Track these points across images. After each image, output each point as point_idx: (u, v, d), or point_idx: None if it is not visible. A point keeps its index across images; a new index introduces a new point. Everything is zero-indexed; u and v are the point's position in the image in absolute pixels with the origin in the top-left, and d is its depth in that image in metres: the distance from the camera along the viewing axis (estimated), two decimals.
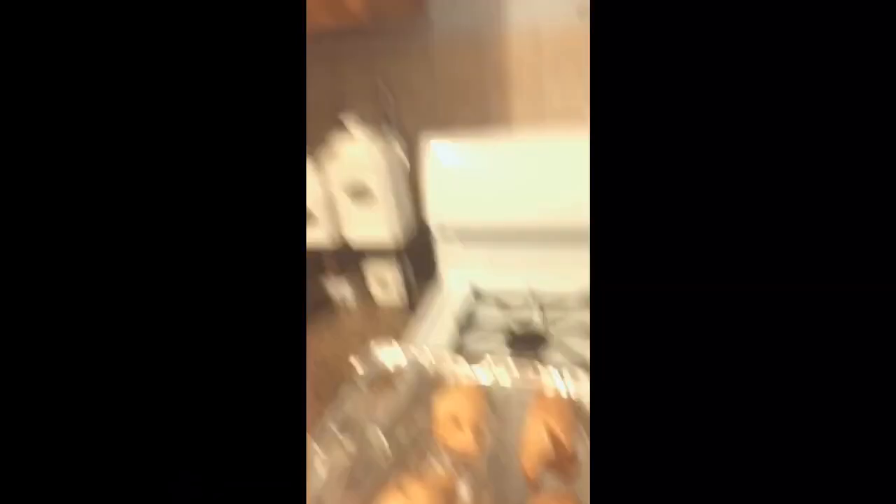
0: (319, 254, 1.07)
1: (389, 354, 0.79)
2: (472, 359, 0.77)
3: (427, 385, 0.74)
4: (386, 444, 0.65)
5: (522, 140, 0.98)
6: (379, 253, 1.04)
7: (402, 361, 0.77)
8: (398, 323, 0.99)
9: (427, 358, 0.77)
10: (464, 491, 0.56)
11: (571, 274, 0.98)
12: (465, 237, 1.03)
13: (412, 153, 1.05)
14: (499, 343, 0.82)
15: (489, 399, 0.69)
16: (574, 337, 0.84)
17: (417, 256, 1.08)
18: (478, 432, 0.62)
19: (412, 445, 0.64)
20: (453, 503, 0.54)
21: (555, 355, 0.81)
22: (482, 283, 1.01)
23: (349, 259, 1.08)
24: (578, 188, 0.89)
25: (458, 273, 1.06)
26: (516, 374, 0.73)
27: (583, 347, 0.81)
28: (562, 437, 0.59)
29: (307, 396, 0.84)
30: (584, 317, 0.91)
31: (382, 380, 0.75)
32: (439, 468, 0.59)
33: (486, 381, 0.73)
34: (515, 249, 1.02)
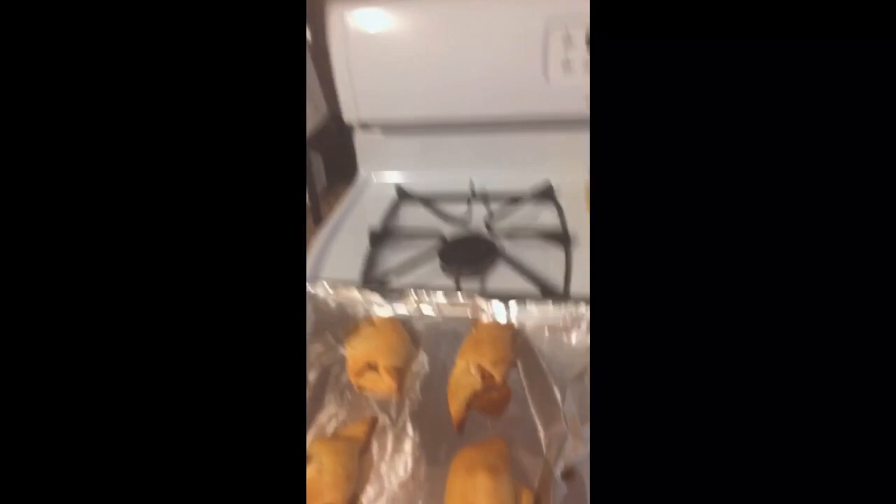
0: None
1: None
2: (390, 287, 0.62)
3: (328, 324, 0.59)
4: None
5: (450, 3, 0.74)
6: None
7: None
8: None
9: (324, 289, 0.61)
10: (380, 443, 0.48)
11: (512, 167, 0.83)
12: (388, 128, 0.85)
13: (317, 26, 0.80)
14: (429, 253, 0.66)
15: (412, 334, 0.55)
16: (515, 243, 0.70)
17: (328, 151, 0.89)
18: (398, 373, 0.53)
19: (316, 394, 0.53)
20: (365, 458, 0.47)
21: (494, 266, 0.67)
22: (408, 182, 0.83)
23: None
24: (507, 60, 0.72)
25: (378, 170, 0.89)
26: (442, 300, 0.58)
27: (526, 256, 0.66)
28: (492, 370, 0.50)
29: None
30: (530, 217, 0.75)
31: None
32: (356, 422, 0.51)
33: (406, 312, 0.58)
34: (449, 139, 0.84)
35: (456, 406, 0.48)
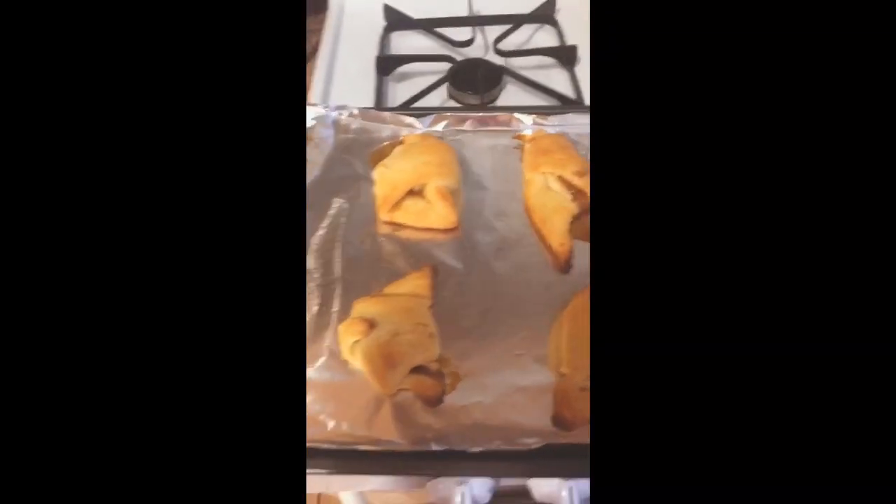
0: None
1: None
2: (415, 112, 0.54)
3: (350, 152, 0.51)
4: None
5: None
6: None
7: (308, 122, 0.52)
8: None
9: (346, 112, 0.52)
10: (446, 294, 0.41)
11: None
12: None
13: None
14: (437, 80, 0.59)
15: (456, 157, 0.49)
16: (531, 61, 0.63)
17: None
18: (454, 199, 0.44)
19: (344, 255, 0.44)
20: (437, 312, 0.40)
21: (513, 88, 0.61)
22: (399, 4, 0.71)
23: None
24: None
25: None
26: (477, 114, 0.53)
27: (543, 73, 0.61)
28: (579, 184, 0.43)
29: None
30: (537, 34, 0.69)
31: None
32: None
33: (438, 129, 0.52)
34: None
35: (556, 238, 0.41)
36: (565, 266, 0.41)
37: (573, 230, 0.42)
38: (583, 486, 0.39)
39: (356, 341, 0.37)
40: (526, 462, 0.37)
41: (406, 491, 0.44)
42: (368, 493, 0.48)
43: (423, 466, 0.37)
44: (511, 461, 0.37)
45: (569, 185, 0.44)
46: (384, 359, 0.36)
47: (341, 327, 0.38)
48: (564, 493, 0.39)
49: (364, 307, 0.38)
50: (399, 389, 0.38)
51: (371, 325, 0.36)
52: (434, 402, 0.38)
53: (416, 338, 0.37)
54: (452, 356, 0.38)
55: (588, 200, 0.43)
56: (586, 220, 0.43)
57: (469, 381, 0.38)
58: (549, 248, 0.42)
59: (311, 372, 0.38)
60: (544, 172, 0.45)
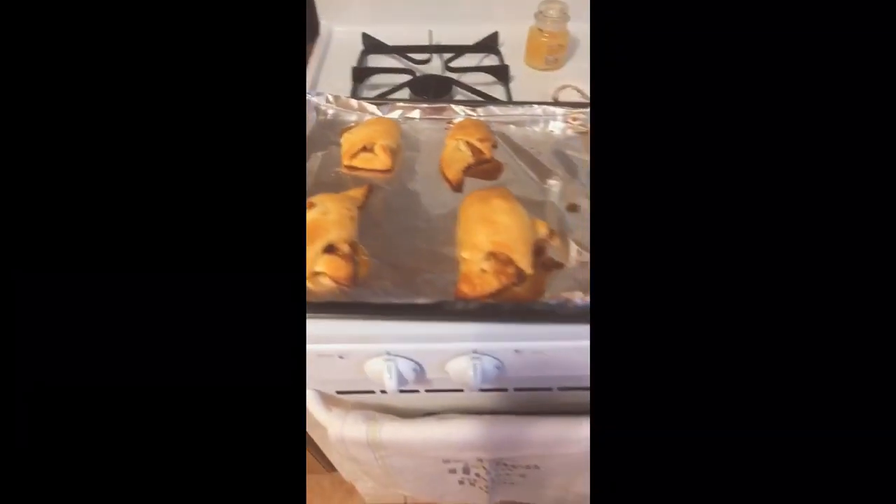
0: None
1: None
2: (377, 101, 0.74)
3: (327, 128, 0.70)
4: None
5: None
6: None
7: None
8: None
9: (325, 100, 0.73)
10: (377, 203, 0.58)
11: (469, 17, 0.94)
12: None
13: None
14: (402, 90, 0.79)
15: (401, 131, 0.68)
16: (478, 77, 0.84)
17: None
18: (392, 153, 0.63)
19: (315, 179, 0.62)
20: (363, 213, 0.55)
21: (460, 95, 0.81)
22: (373, 32, 0.93)
23: None
24: None
25: (344, 23, 0.96)
26: (426, 106, 0.72)
27: (486, 87, 0.81)
28: (480, 146, 0.61)
29: None
30: (486, 60, 0.90)
31: None
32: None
33: (394, 115, 0.72)
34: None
35: (452, 173, 0.60)
36: (457, 188, 0.60)
37: (466, 171, 0.61)
38: (487, 364, 0.50)
39: None
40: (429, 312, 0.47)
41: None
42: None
43: (347, 310, 0.47)
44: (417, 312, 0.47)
45: (472, 147, 0.63)
46: (308, 233, 0.48)
47: None
48: (471, 373, 0.49)
49: (315, 198, 0.53)
50: (315, 273, 0.48)
51: (311, 205, 0.51)
52: (345, 282, 0.47)
53: (338, 218, 0.50)
54: (366, 245, 0.51)
55: (482, 156, 0.62)
56: (478, 167, 0.62)
57: (377, 264, 0.50)
58: (447, 179, 0.61)
59: None
60: (457, 139, 0.64)
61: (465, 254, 0.49)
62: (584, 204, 0.56)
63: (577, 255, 0.51)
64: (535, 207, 0.55)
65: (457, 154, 0.63)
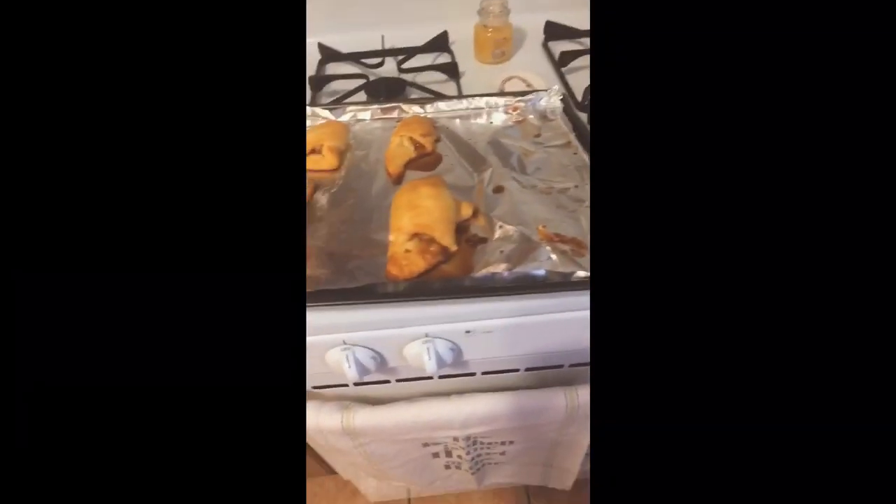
0: None
1: None
2: (330, 106, 0.78)
3: None
4: None
5: None
6: None
7: None
8: None
9: None
10: (319, 201, 0.62)
11: (419, 19, 0.98)
12: None
13: None
14: (358, 94, 0.83)
15: (352, 132, 0.72)
16: (430, 76, 0.88)
17: None
18: (339, 154, 0.68)
19: None
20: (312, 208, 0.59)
21: (411, 93, 0.85)
22: (331, 42, 0.97)
23: None
24: None
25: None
26: (375, 107, 0.76)
27: (438, 85, 0.85)
28: (422, 140, 0.65)
29: None
30: (438, 59, 0.93)
31: None
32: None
33: (345, 118, 0.75)
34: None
35: (394, 167, 0.64)
36: (396, 180, 0.64)
37: (407, 165, 0.66)
38: (441, 346, 0.52)
39: None
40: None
41: None
42: None
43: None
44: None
45: (414, 142, 0.67)
46: None
47: None
48: (426, 357, 0.52)
49: None
50: None
51: None
52: None
53: None
54: (309, 239, 0.54)
55: (424, 150, 0.66)
56: (418, 159, 0.66)
57: (317, 256, 0.52)
58: (388, 172, 0.65)
59: None
60: (401, 135, 0.68)
61: (392, 237, 0.52)
62: (510, 185, 0.60)
63: (500, 230, 0.54)
64: (463, 192, 0.59)
65: (399, 150, 0.67)
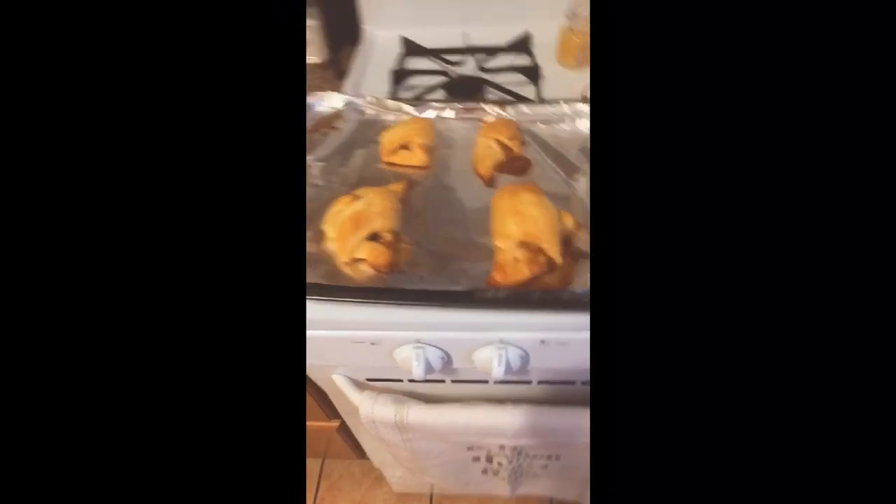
0: None
1: (324, 99, 0.77)
2: (414, 102, 0.78)
3: (368, 127, 0.75)
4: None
5: None
6: None
7: (339, 104, 0.77)
8: (321, 81, 0.93)
9: (366, 101, 0.77)
10: (416, 197, 0.62)
11: (502, 18, 0.96)
12: None
13: None
14: (438, 91, 0.83)
15: (436, 129, 0.72)
16: (509, 77, 0.86)
17: (335, 8, 0.99)
18: (428, 151, 0.67)
19: (359, 174, 0.67)
20: (404, 205, 0.59)
21: (492, 95, 0.84)
22: (413, 36, 0.97)
23: None
24: None
25: (385, 27, 1.00)
26: (459, 106, 0.76)
27: (517, 87, 0.84)
28: (510, 144, 0.64)
29: None
30: (518, 60, 0.92)
31: (321, 123, 0.74)
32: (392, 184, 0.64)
33: (429, 115, 0.75)
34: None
35: (484, 169, 0.64)
36: (489, 183, 0.63)
37: (496, 167, 0.65)
38: (511, 354, 0.52)
39: (339, 210, 0.54)
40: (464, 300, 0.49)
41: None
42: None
43: (383, 295, 0.50)
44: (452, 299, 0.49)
45: (502, 144, 0.66)
46: (352, 221, 0.51)
47: (335, 202, 0.55)
48: (496, 363, 0.52)
49: (359, 191, 0.57)
50: (355, 259, 0.50)
51: (355, 198, 0.55)
52: (384, 269, 0.49)
53: (382, 208, 0.53)
54: (408, 234, 0.55)
55: (512, 153, 0.65)
56: (508, 163, 0.65)
57: (417, 252, 0.53)
58: (480, 174, 0.64)
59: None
60: (488, 137, 0.67)
61: (498, 243, 0.51)
62: None
63: None
64: (561, 201, 0.58)
65: (488, 151, 0.66)
